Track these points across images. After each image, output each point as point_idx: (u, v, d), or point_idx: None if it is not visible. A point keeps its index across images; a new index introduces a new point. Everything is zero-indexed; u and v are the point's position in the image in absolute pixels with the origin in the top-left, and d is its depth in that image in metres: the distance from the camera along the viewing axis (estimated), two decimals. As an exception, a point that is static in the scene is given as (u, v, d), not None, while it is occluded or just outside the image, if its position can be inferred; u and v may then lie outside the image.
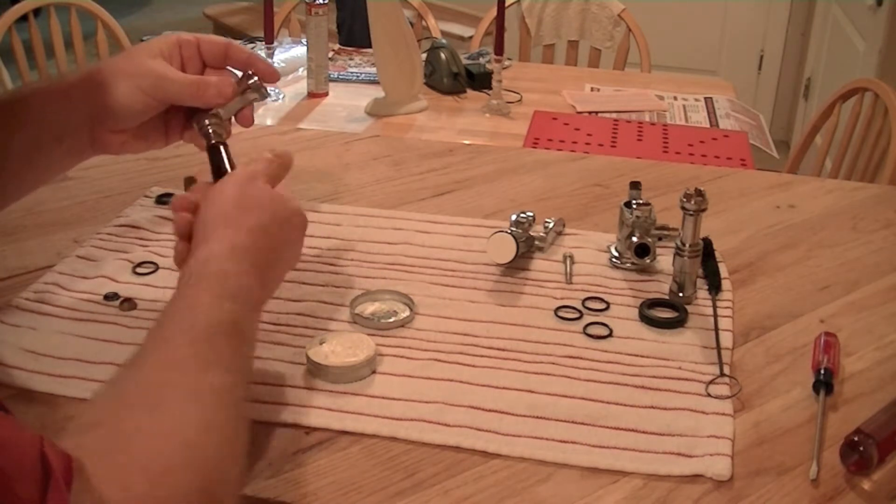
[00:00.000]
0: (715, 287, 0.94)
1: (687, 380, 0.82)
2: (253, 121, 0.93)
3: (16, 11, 2.61)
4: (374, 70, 2.28)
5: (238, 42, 0.92)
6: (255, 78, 0.89)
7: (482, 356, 0.84)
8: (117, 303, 0.90)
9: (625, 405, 0.78)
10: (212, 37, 0.90)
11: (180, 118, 0.90)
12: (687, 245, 0.92)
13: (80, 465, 0.51)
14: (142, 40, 2.80)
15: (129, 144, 0.89)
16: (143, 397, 0.61)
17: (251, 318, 0.71)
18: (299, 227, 0.81)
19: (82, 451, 0.53)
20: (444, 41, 2.37)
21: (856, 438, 0.71)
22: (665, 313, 0.91)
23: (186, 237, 0.76)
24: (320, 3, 2.15)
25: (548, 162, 1.26)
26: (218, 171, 0.85)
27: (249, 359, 0.71)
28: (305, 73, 2.25)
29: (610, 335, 0.88)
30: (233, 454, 0.62)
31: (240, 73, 0.90)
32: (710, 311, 0.92)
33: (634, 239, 0.97)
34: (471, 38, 3.12)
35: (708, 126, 2.19)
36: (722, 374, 0.82)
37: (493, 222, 1.06)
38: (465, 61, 2.34)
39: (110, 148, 0.88)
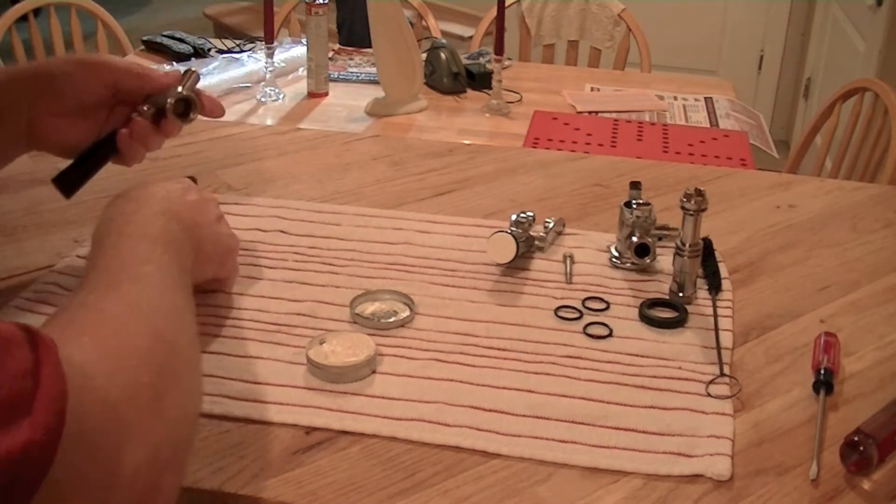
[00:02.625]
0: (715, 287, 0.94)
1: (687, 380, 0.82)
2: (222, 110, 0.97)
3: (16, 11, 2.61)
4: (374, 70, 2.28)
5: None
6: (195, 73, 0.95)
7: (482, 356, 0.84)
8: (117, 303, 0.90)
9: (625, 405, 0.78)
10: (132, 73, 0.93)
11: (123, 114, 0.92)
12: (687, 245, 0.92)
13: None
14: (142, 40, 2.78)
15: (63, 132, 0.90)
16: (99, 285, 0.66)
17: (180, 255, 0.74)
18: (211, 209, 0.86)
19: (48, 328, 0.56)
20: (444, 41, 2.37)
21: (856, 438, 0.71)
22: (665, 313, 0.91)
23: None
24: (320, 3, 2.15)
25: (548, 162, 1.26)
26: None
27: (184, 268, 0.75)
28: (305, 73, 2.25)
29: (610, 335, 0.88)
30: (189, 332, 0.67)
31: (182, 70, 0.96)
32: (710, 311, 0.92)
33: (634, 239, 0.97)
34: (471, 38, 3.12)
35: (708, 126, 2.19)
36: (722, 374, 0.82)
37: (493, 222, 1.06)
38: (465, 61, 2.34)
39: (46, 134, 0.89)
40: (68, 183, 0.92)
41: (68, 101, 0.89)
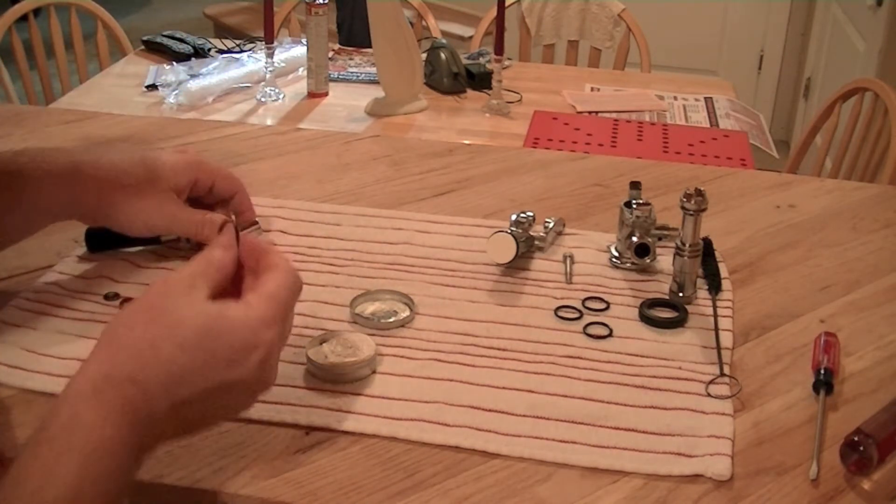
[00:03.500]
0: (715, 287, 0.94)
1: (687, 380, 0.82)
2: None
3: (16, 11, 2.61)
4: (374, 70, 2.28)
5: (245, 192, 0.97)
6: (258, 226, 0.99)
7: (482, 356, 0.84)
8: (117, 303, 0.90)
9: (625, 405, 0.78)
10: (227, 176, 0.95)
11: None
12: (687, 245, 0.92)
13: None
14: (142, 40, 2.77)
15: (142, 215, 0.90)
16: None
17: (109, 482, 0.57)
18: (246, 370, 0.63)
19: None
20: (444, 41, 2.37)
21: (856, 438, 0.71)
22: (665, 313, 0.91)
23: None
24: (320, 3, 2.15)
25: (548, 162, 1.26)
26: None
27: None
28: (305, 73, 2.25)
29: (610, 335, 0.88)
30: None
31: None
32: (710, 311, 0.92)
33: (634, 239, 0.97)
34: (471, 38, 3.12)
35: (708, 126, 2.19)
36: (722, 374, 0.82)
37: (493, 222, 1.06)
38: (465, 61, 2.34)
39: (121, 214, 0.90)
40: (99, 243, 0.96)
41: (120, 229, 0.90)
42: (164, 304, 0.63)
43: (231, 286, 0.68)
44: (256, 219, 0.99)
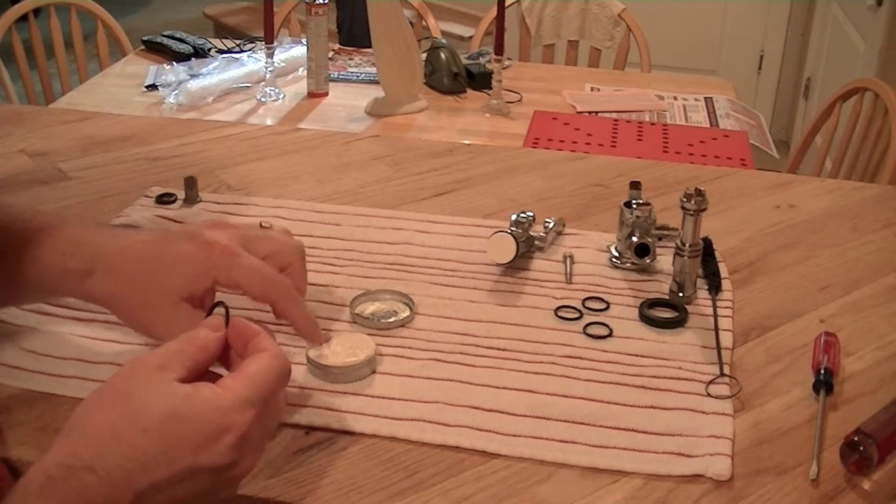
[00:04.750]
0: (715, 287, 0.94)
1: (687, 380, 0.82)
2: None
3: (16, 11, 2.61)
4: (374, 70, 2.28)
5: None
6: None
7: (482, 356, 0.84)
8: (117, 303, 0.90)
9: (625, 405, 0.78)
10: (278, 251, 0.79)
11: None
12: (687, 245, 0.92)
13: None
14: (142, 40, 2.77)
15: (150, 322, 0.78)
16: None
17: None
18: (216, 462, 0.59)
19: None
20: (444, 41, 2.37)
21: (856, 438, 0.71)
22: (665, 313, 0.91)
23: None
24: (320, 3, 2.15)
25: (548, 162, 1.26)
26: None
27: None
28: (305, 73, 2.25)
29: (610, 335, 0.88)
30: None
31: None
32: (710, 311, 0.92)
33: (634, 239, 0.97)
34: (471, 38, 3.12)
35: (708, 126, 2.19)
36: (722, 374, 0.82)
37: (493, 222, 1.06)
38: (465, 61, 2.34)
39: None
40: None
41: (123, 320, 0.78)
42: (129, 387, 0.59)
43: (213, 371, 0.64)
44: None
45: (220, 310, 0.66)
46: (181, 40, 2.48)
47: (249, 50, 2.46)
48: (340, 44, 2.90)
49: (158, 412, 0.57)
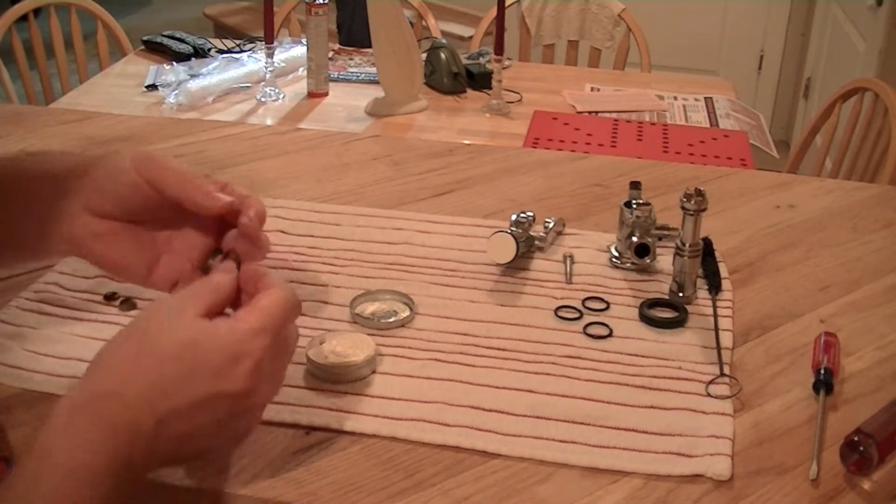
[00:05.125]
0: (715, 287, 0.94)
1: (687, 380, 0.82)
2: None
3: (16, 11, 2.61)
4: (374, 70, 2.28)
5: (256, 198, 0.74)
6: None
7: (482, 356, 0.84)
8: (117, 303, 0.90)
9: (625, 405, 0.78)
10: (236, 190, 0.74)
11: (172, 266, 0.75)
12: (687, 245, 0.92)
13: None
14: (142, 40, 2.77)
15: (100, 245, 0.73)
16: None
17: None
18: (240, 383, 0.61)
19: None
20: (444, 41, 2.37)
21: (856, 438, 0.71)
22: (665, 313, 0.91)
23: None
24: (320, 3, 2.15)
25: (548, 162, 1.26)
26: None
27: None
28: (305, 73, 2.25)
29: (610, 335, 0.88)
30: None
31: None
32: (710, 311, 0.92)
33: (634, 239, 0.97)
34: (471, 38, 3.12)
35: (708, 126, 2.19)
36: (722, 374, 0.82)
37: (493, 222, 1.06)
38: (465, 61, 2.34)
39: (81, 238, 0.73)
40: None
41: (110, 197, 0.72)
42: (149, 324, 0.62)
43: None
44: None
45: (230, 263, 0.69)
46: (181, 40, 2.48)
47: (249, 50, 2.46)
48: (340, 44, 2.90)
49: (177, 341, 0.60)
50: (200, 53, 2.44)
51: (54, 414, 0.58)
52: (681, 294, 0.93)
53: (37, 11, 2.66)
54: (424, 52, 2.29)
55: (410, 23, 2.27)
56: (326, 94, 2.24)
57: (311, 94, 2.24)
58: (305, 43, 2.23)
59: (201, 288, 0.65)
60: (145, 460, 0.59)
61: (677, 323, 0.89)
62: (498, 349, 0.85)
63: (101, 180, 0.73)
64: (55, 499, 0.54)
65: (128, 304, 0.89)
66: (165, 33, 2.52)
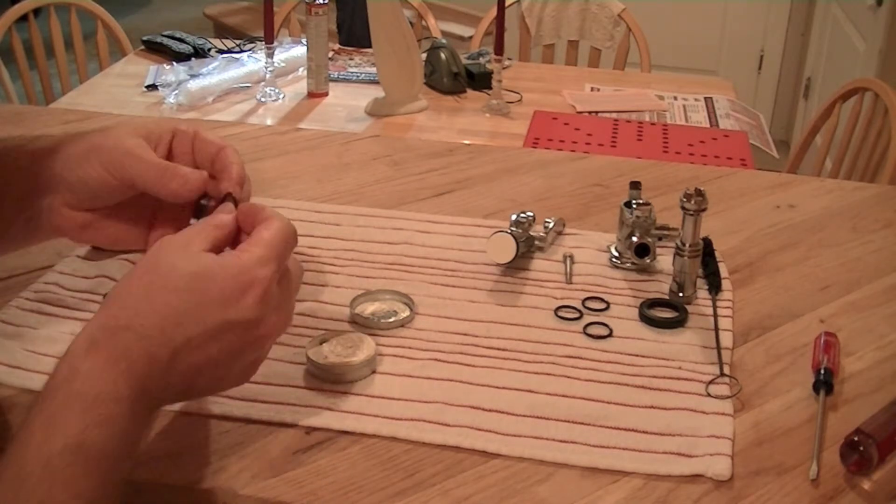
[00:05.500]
0: (715, 287, 0.94)
1: (687, 380, 0.82)
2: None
3: (16, 11, 2.62)
4: (374, 70, 2.28)
5: (233, 148, 0.80)
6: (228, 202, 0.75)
7: (482, 356, 0.84)
8: (117, 303, 0.90)
9: (625, 405, 0.78)
10: (208, 137, 0.80)
11: (170, 221, 0.79)
12: (687, 245, 0.92)
13: None
14: (142, 40, 2.77)
15: (90, 232, 0.78)
16: None
17: (113, 428, 0.58)
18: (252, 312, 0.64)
19: None
20: (444, 41, 2.37)
21: (856, 438, 0.71)
22: (665, 313, 0.91)
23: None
24: (320, 3, 2.15)
25: (548, 162, 1.26)
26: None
27: (108, 483, 0.57)
28: (305, 73, 2.25)
29: (610, 335, 0.88)
30: None
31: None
32: (710, 311, 0.92)
33: (634, 239, 0.97)
34: (471, 38, 3.12)
35: (708, 126, 2.19)
36: (722, 374, 0.82)
37: (493, 222, 1.06)
38: (465, 61, 2.34)
39: (68, 229, 0.78)
40: None
41: (79, 196, 0.76)
42: (158, 258, 0.64)
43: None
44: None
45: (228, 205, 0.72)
46: (181, 40, 2.48)
47: (249, 50, 2.47)
48: (340, 44, 2.90)
49: (187, 272, 0.62)
50: (200, 53, 2.44)
51: (70, 350, 0.60)
52: (681, 294, 0.93)
53: (37, 11, 2.66)
54: (424, 52, 2.29)
55: (410, 23, 2.27)
56: (326, 94, 2.24)
57: (311, 94, 2.24)
58: (305, 43, 2.23)
59: (205, 225, 0.68)
60: (160, 392, 0.61)
61: (677, 323, 0.89)
62: (498, 349, 0.85)
63: (70, 180, 0.75)
64: (78, 426, 0.56)
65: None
66: (165, 33, 2.52)
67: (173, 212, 0.78)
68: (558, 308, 0.91)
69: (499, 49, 2.10)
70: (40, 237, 0.81)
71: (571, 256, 1.00)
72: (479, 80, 2.29)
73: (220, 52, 2.46)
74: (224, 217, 0.69)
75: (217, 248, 0.66)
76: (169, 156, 0.78)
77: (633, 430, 0.75)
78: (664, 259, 0.98)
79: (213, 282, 0.63)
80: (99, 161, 0.74)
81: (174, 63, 2.33)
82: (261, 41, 2.37)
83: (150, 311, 0.61)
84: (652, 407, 0.78)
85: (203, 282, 0.62)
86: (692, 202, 0.90)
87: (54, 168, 0.75)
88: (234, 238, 0.69)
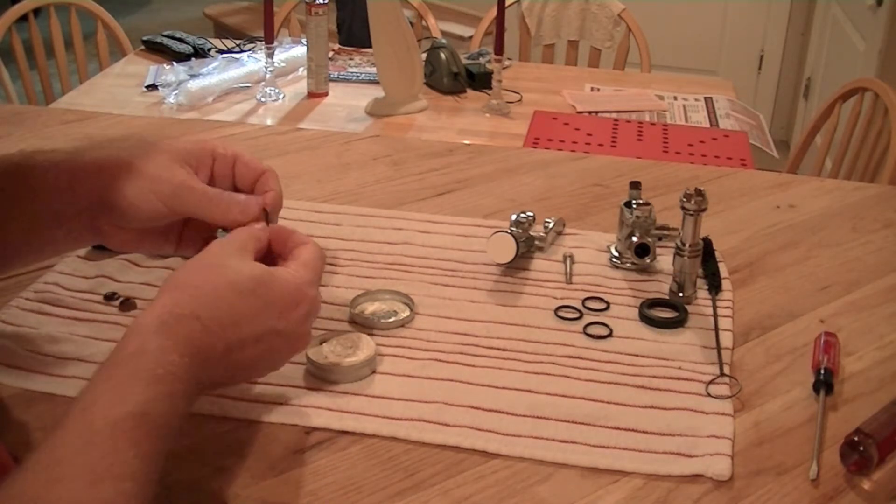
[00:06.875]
0: (715, 287, 0.94)
1: (687, 380, 0.82)
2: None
3: (16, 11, 2.61)
4: (374, 70, 2.28)
5: (273, 172, 0.82)
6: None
7: (482, 356, 0.84)
8: (117, 303, 0.90)
9: (625, 405, 0.78)
10: (249, 159, 0.82)
11: (199, 231, 0.82)
12: (687, 245, 0.92)
13: None
14: (142, 40, 2.77)
15: (131, 244, 0.81)
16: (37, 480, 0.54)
17: (173, 403, 0.61)
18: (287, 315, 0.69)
19: None
20: (444, 41, 2.37)
21: (856, 438, 0.71)
22: (665, 313, 0.91)
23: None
24: (320, 3, 2.15)
25: (548, 162, 1.26)
26: None
27: (161, 452, 0.60)
28: (305, 73, 2.25)
29: (610, 335, 0.88)
30: None
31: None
32: (710, 311, 0.92)
33: (634, 239, 0.97)
34: (471, 38, 3.12)
35: (708, 126, 2.19)
36: (722, 374, 0.82)
37: (493, 222, 1.06)
38: (465, 61, 2.34)
39: (110, 241, 0.80)
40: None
41: (131, 222, 0.78)
42: (220, 260, 0.69)
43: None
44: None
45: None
46: (181, 40, 2.48)
47: (249, 50, 2.46)
48: (340, 44, 2.90)
49: (252, 278, 0.68)
50: (200, 53, 2.44)
51: (138, 327, 0.63)
52: (681, 294, 0.93)
53: (37, 11, 2.66)
54: (424, 52, 2.29)
55: (410, 23, 2.27)
56: (326, 94, 2.24)
57: (311, 94, 2.24)
58: (305, 43, 2.23)
59: (249, 237, 0.72)
60: (209, 380, 0.66)
61: (677, 323, 0.89)
62: (498, 349, 0.85)
63: (121, 205, 0.77)
64: (144, 396, 0.59)
65: (128, 304, 0.89)
66: (165, 33, 2.52)
67: (203, 222, 0.81)
68: (558, 308, 0.91)
69: (499, 49, 2.10)
70: (81, 246, 0.87)
71: (571, 256, 1.00)
72: (479, 80, 2.29)
73: (220, 52, 2.46)
74: (262, 230, 0.74)
75: (257, 259, 0.71)
76: (211, 179, 0.80)
77: (633, 430, 0.75)
78: (664, 259, 0.98)
79: (274, 291, 0.68)
80: (153, 192, 0.76)
81: (174, 63, 2.32)
82: (261, 41, 2.37)
83: (214, 306, 0.65)
84: (652, 407, 0.78)
85: (265, 291, 0.68)
86: (692, 202, 0.90)
87: (99, 191, 0.77)
88: (266, 253, 0.74)
